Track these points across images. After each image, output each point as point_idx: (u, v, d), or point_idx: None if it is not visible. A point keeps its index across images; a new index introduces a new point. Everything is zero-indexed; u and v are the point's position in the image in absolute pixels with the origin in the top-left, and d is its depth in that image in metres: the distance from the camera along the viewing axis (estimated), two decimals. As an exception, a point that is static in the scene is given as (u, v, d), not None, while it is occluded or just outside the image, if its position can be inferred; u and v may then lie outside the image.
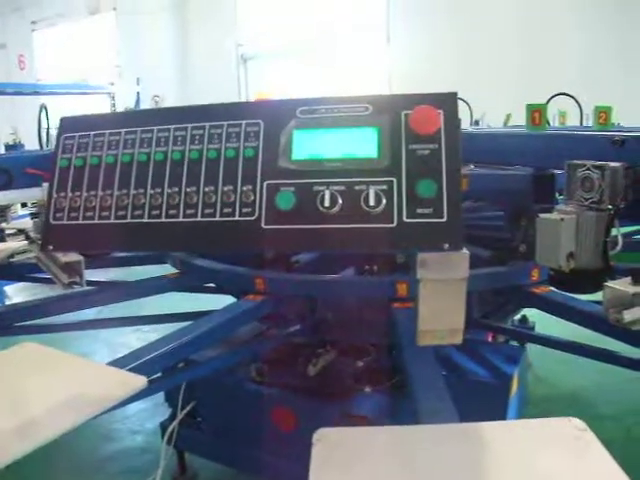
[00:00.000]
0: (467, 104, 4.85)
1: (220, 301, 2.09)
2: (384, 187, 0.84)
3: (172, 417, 2.42)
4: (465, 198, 2.17)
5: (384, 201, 0.84)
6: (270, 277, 1.98)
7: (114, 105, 10.22)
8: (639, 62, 7.73)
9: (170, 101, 10.38)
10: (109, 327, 2.94)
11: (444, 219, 0.83)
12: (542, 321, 2.81)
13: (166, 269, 2.46)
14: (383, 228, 0.84)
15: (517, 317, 3.26)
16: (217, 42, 11.65)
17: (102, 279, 2.83)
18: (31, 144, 5.66)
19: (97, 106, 10.62)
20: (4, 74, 12.62)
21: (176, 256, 2.30)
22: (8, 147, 6.92)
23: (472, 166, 1.57)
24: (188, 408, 2.38)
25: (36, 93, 9.28)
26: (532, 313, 3.00)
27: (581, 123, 4.19)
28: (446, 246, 0.84)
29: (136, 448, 2.93)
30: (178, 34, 11.94)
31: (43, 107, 3.88)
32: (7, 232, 3.25)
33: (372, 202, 0.84)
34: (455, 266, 0.92)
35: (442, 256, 0.90)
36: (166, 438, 2.39)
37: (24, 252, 2.64)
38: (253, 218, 0.87)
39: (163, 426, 2.45)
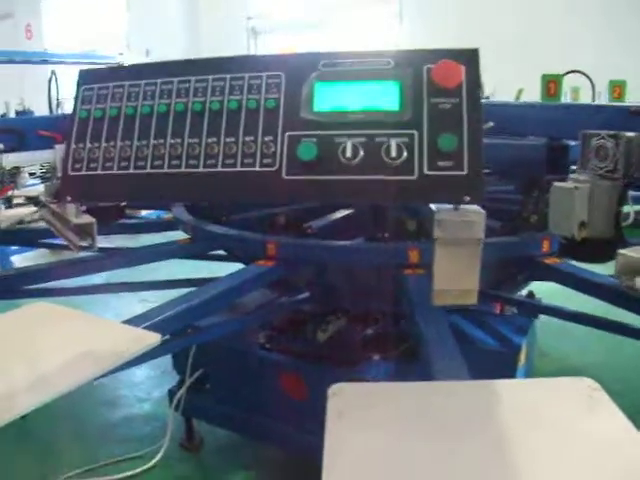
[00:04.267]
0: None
1: (232, 269, 2.09)
2: (405, 139, 0.85)
3: (180, 384, 2.44)
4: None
5: (405, 153, 0.84)
6: (281, 242, 1.97)
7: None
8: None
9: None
10: (117, 292, 2.95)
11: (465, 172, 0.83)
12: (548, 298, 2.81)
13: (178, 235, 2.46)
14: (404, 180, 0.84)
15: (524, 293, 3.25)
16: (228, 14, 11.56)
17: (114, 246, 2.84)
18: (40, 113, 5.64)
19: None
20: (12, 43, 12.52)
21: (187, 222, 2.30)
22: (18, 113, 6.89)
23: (492, 123, 1.57)
24: (196, 375, 2.40)
25: (44, 62, 9.21)
26: (539, 290, 2.99)
27: (593, 100, 4.16)
28: (467, 199, 0.84)
29: (143, 415, 2.95)
30: (188, 6, 11.85)
31: (53, 73, 3.86)
32: (15, 201, 3.24)
33: (393, 154, 0.84)
34: (471, 226, 0.93)
35: (459, 215, 0.90)
36: (174, 405, 2.42)
37: (32, 221, 2.65)
38: (274, 169, 0.87)
39: (171, 393, 2.47)
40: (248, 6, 11.67)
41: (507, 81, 4.92)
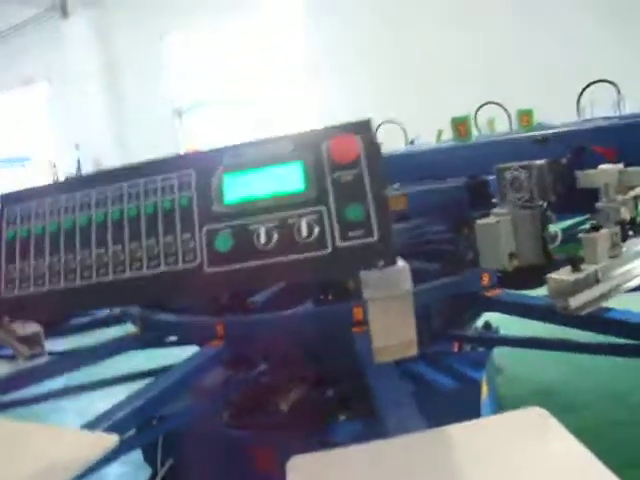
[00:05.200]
0: (401, 127, 4.98)
1: (187, 352, 2.09)
2: (314, 217, 0.88)
3: (153, 477, 2.39)
4: (406, 217, 2.23)
5: (316, 230, 0.87)
6: (229, 321, 1.99)
7: (56, 173, 10.13)
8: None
9: (111, 162, 10.36)
10: (76, 394, 2.89)
11: (375, 238, 0.87)
12: (506, 323, 2.87)
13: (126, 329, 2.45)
14: (319, 255, 0.87)
15: (480, 324, 3.31)
16: (150, 99, 11.71)
17: (64, 348, 2.80)
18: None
19: (40, 177, 10.51)
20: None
21: (134, 314, 2.29)
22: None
23: (397, 184, 1.63)
24: (167, 466, 2.35)
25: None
26: (495, 318, 3.06)
27: (510, 127, 4.34)
28: (381, 263, 0.88)
29: (121, 514, 2.87)
30: (110, 96, 11.98)
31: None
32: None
33: (305, 232, 0.87)
34: (397, 281, 0.96)
35: (382, 273, 0.93)
36: (150, 500, 2.36)
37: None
38: (196, 264, 0.90)
39: (145, 488, 2.42)
40: (170, 88, 11.85)
41: (430, 125, 5.08)
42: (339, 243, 0.87)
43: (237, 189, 0.92)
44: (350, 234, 0.87)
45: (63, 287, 0.95)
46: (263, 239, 0.87)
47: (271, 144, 0.94)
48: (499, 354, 2.98)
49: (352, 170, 0.90)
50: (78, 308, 1.14)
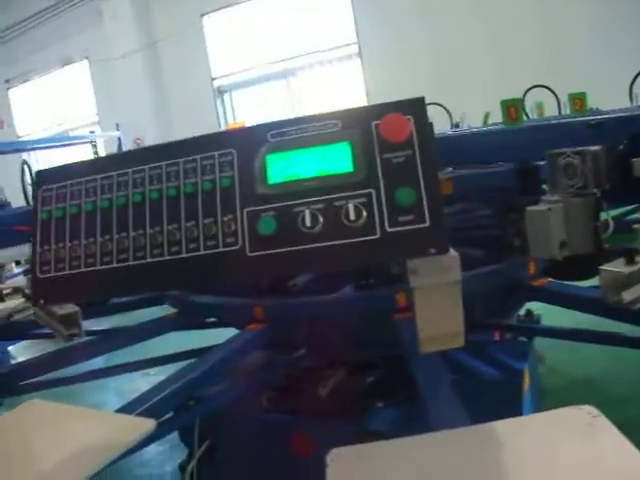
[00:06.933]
0: (445, 109, 4.89)
1: (225, 334, 2.08)
2: (363, 200, 0.84)
3: (189, 457, 2.40)
4: (453, 201, 2.17)
5: (365, 214, 0.84)
6: (268, 304, 1.97)
7: (96, 153, 10.23)
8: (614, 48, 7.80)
9: (151, 142, 10.43)
10: (115, 374, 2.93)
11: (427, 224, 0.83)
12: (548, 312, 2.81)
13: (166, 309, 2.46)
14: (367, 241, 0.83)
15: (522, 312, 3.25)
16: (192, 78, 11.74)
17: (104, 327, 2.83)
18: (17, 202, 5.68)
19: (80, 156, 10.64)
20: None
21: (173, 295, 2.29)
22: (-3, 206, 6.91)
23: (450, 168, 1.57)
24: (204, 446, 2.36)
25: (17, 151, 9.28)
26: (537, 306, 3.00)
27: (560, 112, 4.22)
28: (432, 250, 0.84)
29: (158, 492, 2.90)
30: (152, 74, 12.02)
31: (24, 163, 3.88)
32: (4, 292, 3.23)
33: (352, 216, 0.83)
34: (446, 269, 0.92)
35: (432, 261, 0.89)
36: (187, 479, 2.37)
37: (23, 310, 2.63)
38: (237, 247, 0.87)
39: (181, 467, 2.43)
40: (211, 67, 11.85)
41: (475, 107, 4.99)
42: (389, 228, 0.83)
43: (281, 169, 0.89)
44: (400, 219, 0.83)
45: (99, 269, 0.93)
46: (308, 222, 0.84)
47: (317, 122, 0.90)
48: (541, 343, 2.92)
49: (403, 151, 0.85)
50: (114, 292, 1.12)
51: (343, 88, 10.62)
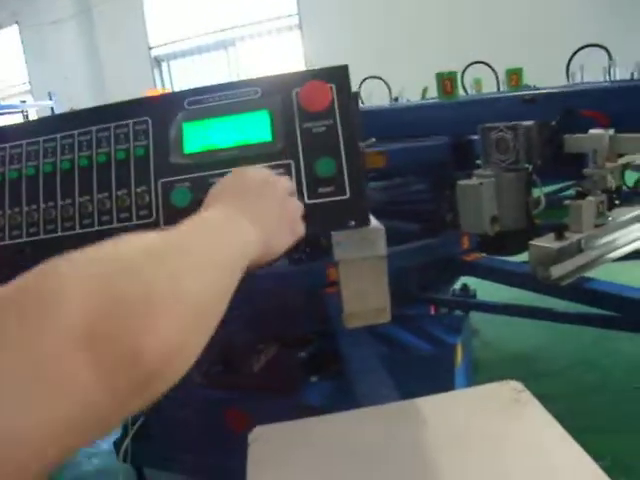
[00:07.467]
0: (385, 82, 4.86)
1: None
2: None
3: (124, 434, 2.35)
4: (387, 175, 2.15)
5: None
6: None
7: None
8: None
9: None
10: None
11: (347, 196, 0.80)
12: (484, 286, 2.84)
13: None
14: None
15: (458, 286, 3.28)
16: (129, 47, 11.40)
17: None
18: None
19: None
20: None
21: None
22: None
23: (374, 139, 1.55)
24: (138, 423, 2.31)
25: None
26: (475, 281, 3.03)
27: (498, 89, 4.24)
28: (352, 223, 0.81)
29: (93, 471, 2.84)
30: (87, 42, 11.63)
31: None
32: None
33: None
34: (371, 243, 0.90)
35: (357, 234, 0.87)
36: (121, 456, 2.33)
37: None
38: (151, 220, 0.82)
39: (116, 444, 2.38)
40: (148, 35, 11.54)
41: (414, 82, 4.96)
42: (308, 200, 0.80)
43: (198, 139, 0.84)
44: (320, 190, 0.80)
45: (8, 242, 0.87)
46: None
47: (236, 89, 0.86)
48: (475, 317, 2.96)
49: (324, 120, 0.82)
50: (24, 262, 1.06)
51: (283, 60, 10.50)
